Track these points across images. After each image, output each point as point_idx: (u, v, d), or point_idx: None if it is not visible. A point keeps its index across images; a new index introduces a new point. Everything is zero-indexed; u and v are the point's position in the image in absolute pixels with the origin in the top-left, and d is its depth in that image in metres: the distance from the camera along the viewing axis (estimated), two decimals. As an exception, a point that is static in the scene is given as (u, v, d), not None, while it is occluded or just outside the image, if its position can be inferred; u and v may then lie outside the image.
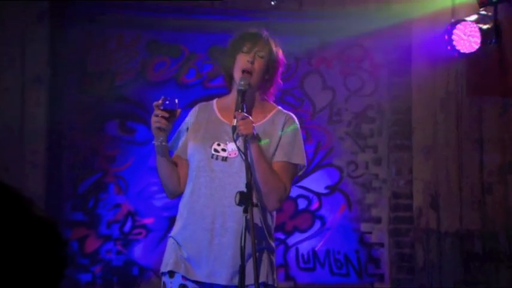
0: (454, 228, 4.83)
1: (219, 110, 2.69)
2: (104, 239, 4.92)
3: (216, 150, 2.56)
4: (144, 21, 4.97)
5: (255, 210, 2.43)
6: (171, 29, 5.01)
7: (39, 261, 1.09)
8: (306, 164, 2.65)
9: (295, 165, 2.63)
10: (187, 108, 2.84)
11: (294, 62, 5.06)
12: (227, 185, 2.50)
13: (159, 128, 2.50)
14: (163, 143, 2.52)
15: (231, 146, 2.54)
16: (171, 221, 4.77)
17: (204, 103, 2.76)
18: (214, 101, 2.75)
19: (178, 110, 2.52)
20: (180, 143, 2.68)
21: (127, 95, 5.00)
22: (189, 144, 2.63)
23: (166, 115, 2.48)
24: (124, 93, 4.99)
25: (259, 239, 2.49)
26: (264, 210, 2.58)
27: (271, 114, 2.67)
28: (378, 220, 5.07)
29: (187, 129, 2.68)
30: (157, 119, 2.50)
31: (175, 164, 2.65)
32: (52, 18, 4.71)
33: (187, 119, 2.72)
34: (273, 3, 4.76)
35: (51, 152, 4.76)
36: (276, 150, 2.60)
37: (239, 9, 4.80)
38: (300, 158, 2.63)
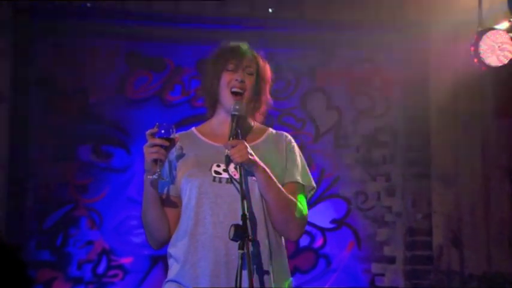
0: (480, 271, 4.71)
1: (203, 136, 2.57)
2: (74, 282, 4.69)
3: (217, 172, 2.44)
4: (122, 31, 4.81)
5: (264, 248, 2.36)
6: (153, 40, 4.86)
7: None
8: (315, 186, 2.59)
9: (305, 187, 2.56)
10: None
11: (294, 78, 4.97)
12: (238, 210, 2.31)
13: (155, 160, 2.36)
14: (161, 177, 2.39)
15: (233, 166, 2.40)
16: (153, 260, 4.70)
17: (181, 133, 2.57)
18: (193, 129, 2.62)
19: (176, 138, 2.42)
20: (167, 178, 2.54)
21: (102, 115, 4.82)
22: (181, 176, 2.48)
23: (167, 144, 2.37)
24: (99, 113, 4.82)
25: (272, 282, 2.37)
26: (274, 243, 2.43)
27: (265, 134, 2.60)
28: (391, 260, 4.89)
29: (170, 162, 2.51)
30: (154, 150, 2.35)
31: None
32: (15, 29, 4.56)
33: None
34: (270, 10, 4.70)
35: (13, 181, 4.57)
36: (284, 171, 2.51)
37: (231, 17, 4.71)
38: (309, 179, 2.57)
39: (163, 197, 2.49)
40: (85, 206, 4.72)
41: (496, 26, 4.28)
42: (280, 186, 2.42)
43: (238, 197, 2.34)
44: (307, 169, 2.57)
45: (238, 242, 2.18)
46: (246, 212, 2.23)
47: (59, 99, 4.75)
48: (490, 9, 4.40)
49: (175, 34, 4.81)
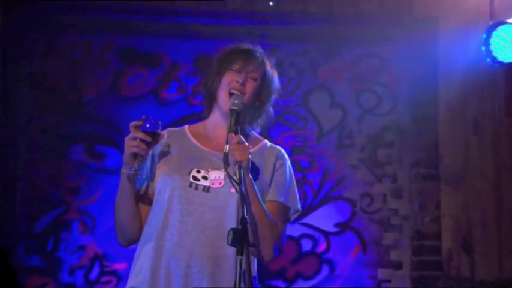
0: (492, 277, 4.63)
1: (194, 137, 2.57)
2: (65, 288, 4.72)
3: (195, 178, 2.43)
4: (117, 26, 4.77)
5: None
6: (149, 35, 4.82)
7: None
8: (300, 209, 2.58)
9: (289, 209, 2.55)
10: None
11: (296, 75, 4.94)
12: (209, 221, 2.37)
13: (134, 154, 2.36)
14: (138, 173, 2.36)
15: (215, 174, 2.42)
16: (148, 266, 4.64)
17: (172, 129, 2.60)
18: (185, 127, 2.61)
19: (162, 134, 2.42)
20: (145, 175, 2.51)
21: (95, 113, 4.79)
22: (159, 174, 2.48)
23: (149, 139, 2.35)
24: (92, 111, 4.79)
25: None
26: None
27: (258, 146, 2.56)
28: (398, 265, 4.86)
29: (153, 158, 2.51)
30: (135, 143, 2.35)
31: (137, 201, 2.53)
32: (4, 23, 4.52)
33: None
34: (271, 3, 4.66)
35: (2, 183, 4.54)
36: (267, 188, 2.49)
37: (231, 12, 4.63)
38: (296, 201, 2.56)
39: (141, 193, 2.46)
40: (77, 209, 4.68)
41: (509, 20, 4.30)
42: (261, 202, 2.39)
43: (213, 207, 2.37)
44: (295, 190, 2.55)
45: (238, 248, 2.15)
46: (245, 216, 2.19)
47: (50, 97, 4.71)
48: (502, 1, 4.43)
49: (172, 29, 4.78)
